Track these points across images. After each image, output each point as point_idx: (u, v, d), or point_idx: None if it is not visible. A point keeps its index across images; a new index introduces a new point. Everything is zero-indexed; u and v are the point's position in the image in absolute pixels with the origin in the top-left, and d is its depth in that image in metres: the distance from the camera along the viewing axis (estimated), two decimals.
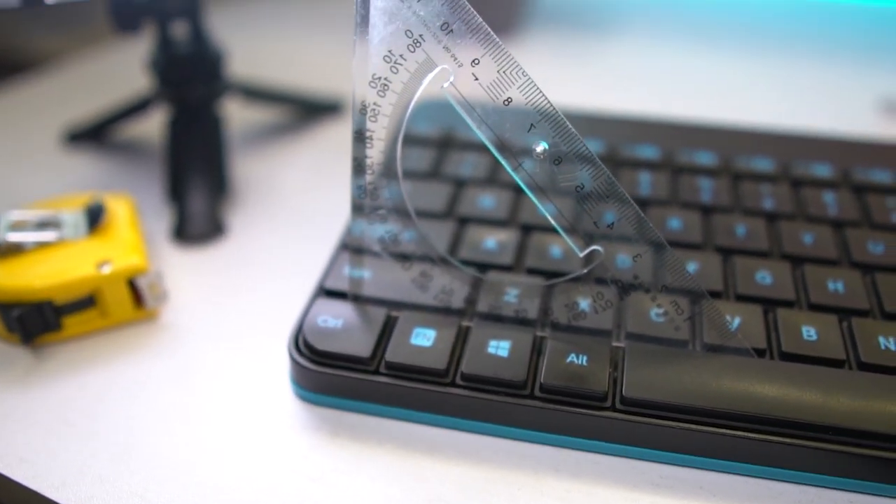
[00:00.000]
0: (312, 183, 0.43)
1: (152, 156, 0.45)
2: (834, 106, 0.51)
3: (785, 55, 0.58)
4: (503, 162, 0.26)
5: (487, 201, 0.35)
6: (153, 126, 0.46)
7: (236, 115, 0.48)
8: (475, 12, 0.25)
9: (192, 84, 0.41)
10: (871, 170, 0.37)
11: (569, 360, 0.27)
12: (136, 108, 0.45)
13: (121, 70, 0.56)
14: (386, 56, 0.26)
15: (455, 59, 0.26)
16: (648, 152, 0.38)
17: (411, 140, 0.39)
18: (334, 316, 0.29)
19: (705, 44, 0.60)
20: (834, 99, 0.52)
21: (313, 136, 0.48)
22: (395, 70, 0.26)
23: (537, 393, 0.27)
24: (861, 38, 0.62)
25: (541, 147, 0.26)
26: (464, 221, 0.34)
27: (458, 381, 0.27)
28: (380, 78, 0.26)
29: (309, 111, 0.49)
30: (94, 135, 0.46)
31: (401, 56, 0.26)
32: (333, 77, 0.54)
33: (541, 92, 0.25)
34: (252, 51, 0.58)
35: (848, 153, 0.39)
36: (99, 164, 0.45)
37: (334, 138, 0.47)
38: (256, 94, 0.47)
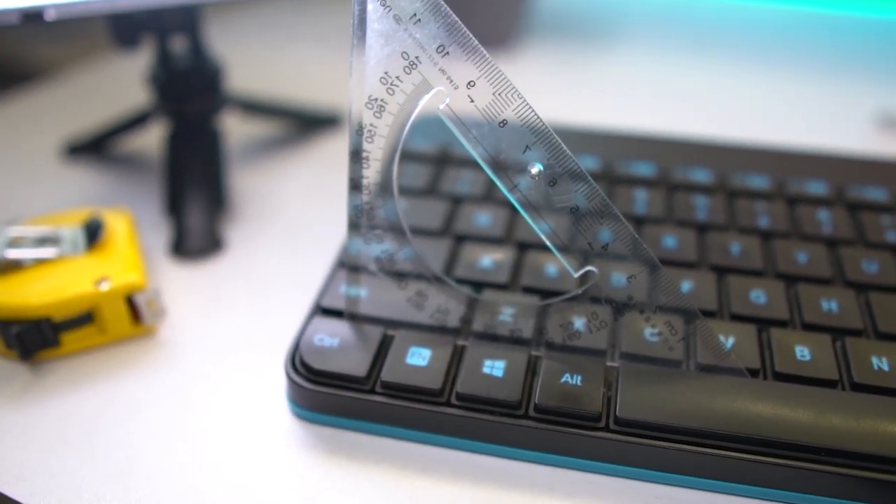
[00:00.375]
0: (311, 196, 0.43)
1: (151, 169, 0.45)
2: (831, 120, 0.52)
3: (782, 68, 0.59)
4: (499, 183, 0.26)
5: (483, 219, 0.35)
6: (152, 139, 0.46)
7: (235, 128, 0.48)
8: (471, 35, 0.25)
9: (191, 99, 0.41)
10: (866, 187, 0.38)
11: (563, 380, 0.27)
12: (136, 122, 0.45)
13: (121, 81, 0.56)
14: (382, 78, 0.26)
15: (451, 81, 0.26)
16: (644, 169, 0.38)
17: (408, 156, 0.39)
18: (331, 334, 0.29)
19: (703, 55, 0.61)
20: (831, 113, 0.53)
21: (312, 149, 0.48)
22: (391, 92, 0.26)
23: (532, 413, 0.27)
24: (859, 51, 0.62)
25: (536, 168, 0.26)
26: (460, 239, 0.34)
27: (454, 400, 0.27)
28: (376, 99, 0.26)
29: (307, 124, 0.49)
30: (94, 147, 0.47)
31: (397, 78, 0.26)
32: (332, 89, 0.54)
33: (536, 114, 0.25)
34: (250, 63, 0.58)
35: (843, 170, 0.39)
36: (98, 177, 0.45)
37: (333, 151, 0.48)
38: (255, 107, 0.47)
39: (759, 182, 0.38)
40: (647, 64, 0.60)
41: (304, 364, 0.28)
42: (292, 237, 0.40)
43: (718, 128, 0.49)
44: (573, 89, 0.56)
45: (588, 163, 0.39)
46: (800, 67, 0.59)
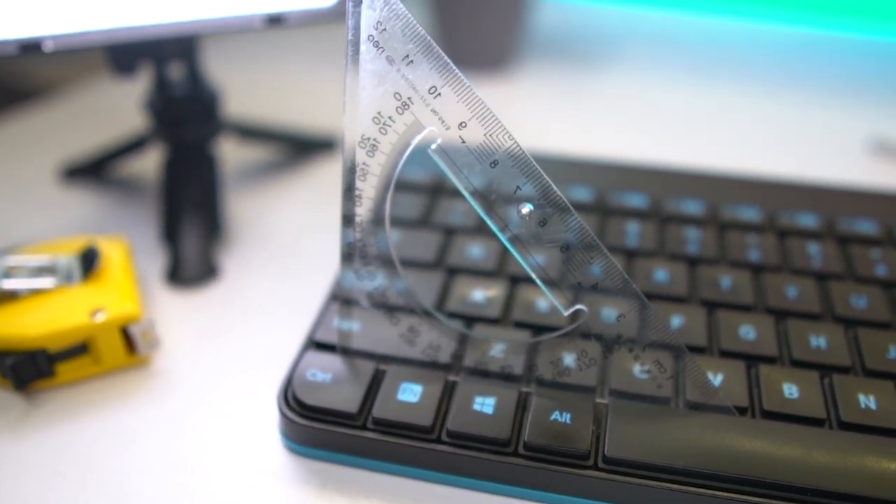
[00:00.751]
0: (307, 221, 0.43)
1: (149, 193, 0.45)
2: (825, 146, 0.52)
3: (776, 91, 0.59)
4: (490, 223, 0.27)
5: (476, 251, 0.35)
6: (151, 163, 0.47)
7: (231, 153, 0.48)
8: (462, 76, 0.26)
9: (187, 125, 0.42)
10: (856, 220, 0.38)
11: (552, 417, 0.28)
12: (133, 146, 0.46)
13: (121, 100, 0.56)
14: (375, 117, 0.27)
15: (443, 121, 0.26)
16: (636, 200, 0.39)
17: (402, 186, 0.39)
18: (323, 369, 0.30)
19: (698, 77, 0.61)
20: (825, 139, 0.53)
21: (308, 172, 0.48)
22: (383, 131, 0.27)
23: (521, 451, 0.27)
24: (852, 75, 0.62)
25: (526, 209, 0.26)
26: (452, 272, 0.34)
27: (444, 437, 0.28)
28: (369, 139, 0.27)
29: (303, 148, 0.50)
30: (92, 171, 0.47)
31: (389, 118, 0.26)
32: (328, 113, 0.54)
33: (527, 154, 0.26)
34: (247, 87, 0.58)
35: (834, 201, 0.40)
36: (96, 201, 0.45)
37: (329, 175, 0.48)
38: (251, 132, 0.47)
39: (750, 214, 0.38)
40: (642, 86, 0.60)
41: (296, 399, 0.29)
42: (288, 263, 0.40)
43: (712, 153, 0.49)
44: (569, 112, 0.56)
45: (581, 194, 0.39)
46: (794, 91, 0.59)
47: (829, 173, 0.47)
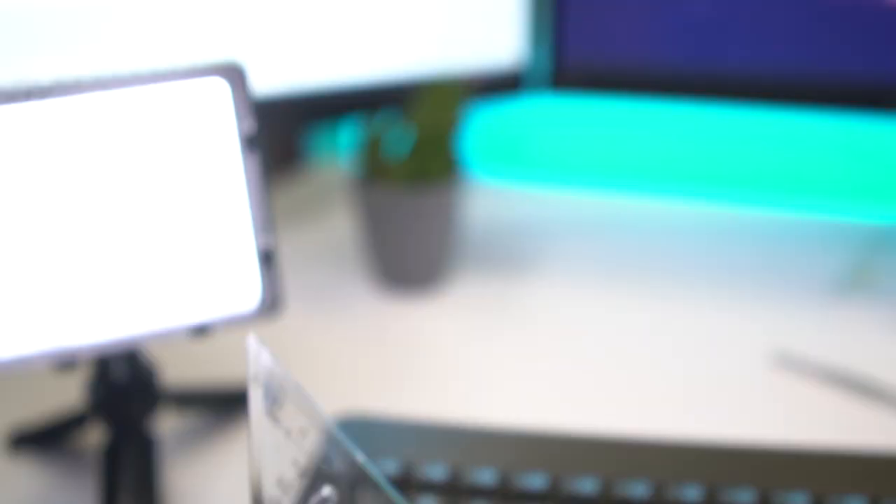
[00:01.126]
0: (245, 490, 0.45)
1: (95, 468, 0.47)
2: (724, 363, 0.55)
3: (684, 292, 0.62)
4: None
5: None
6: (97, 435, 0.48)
7: (169, 421, 0.50)
8: (350, 444, 0.30)
9: (128, 408, 0.45)
10: (738, 489, 0.40)
11: None
12: (77, 421, 0.48)
13: None
14: (278, 482, 0.30)
15: (337, 486, 0.30)
16: (537, 482, 0.41)
17: None
18: None
19: (619, 285, 0.64)
20: (723, 354, 0.56)
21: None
22: (287, 493, 0.30)
23: None
24: (751, 278, 0.65)
25: None
26: None
27: None
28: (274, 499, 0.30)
29: (242, 403, 0.52)
30: (39, 441, 0.49)
31: (290, 482, 0.30)
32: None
33: None
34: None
35: (719, 464, 0.42)
36: (40, 473, 0.47)
37: None
38: (187, 398, 0.50)
39: (640, 490, 0.40)
40: (559, 300, 0.63)
41: None
42: None
43: (621, 387, 0.53)
44: (490, 336, 0.59)
45: (485, 476, 0.41)
46: (690, 301, 0.62)
47: (732, 390, 0.51)
